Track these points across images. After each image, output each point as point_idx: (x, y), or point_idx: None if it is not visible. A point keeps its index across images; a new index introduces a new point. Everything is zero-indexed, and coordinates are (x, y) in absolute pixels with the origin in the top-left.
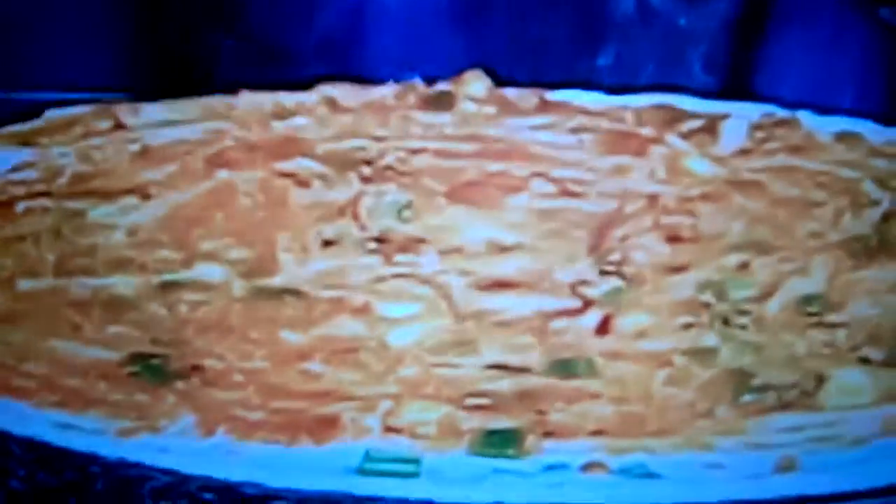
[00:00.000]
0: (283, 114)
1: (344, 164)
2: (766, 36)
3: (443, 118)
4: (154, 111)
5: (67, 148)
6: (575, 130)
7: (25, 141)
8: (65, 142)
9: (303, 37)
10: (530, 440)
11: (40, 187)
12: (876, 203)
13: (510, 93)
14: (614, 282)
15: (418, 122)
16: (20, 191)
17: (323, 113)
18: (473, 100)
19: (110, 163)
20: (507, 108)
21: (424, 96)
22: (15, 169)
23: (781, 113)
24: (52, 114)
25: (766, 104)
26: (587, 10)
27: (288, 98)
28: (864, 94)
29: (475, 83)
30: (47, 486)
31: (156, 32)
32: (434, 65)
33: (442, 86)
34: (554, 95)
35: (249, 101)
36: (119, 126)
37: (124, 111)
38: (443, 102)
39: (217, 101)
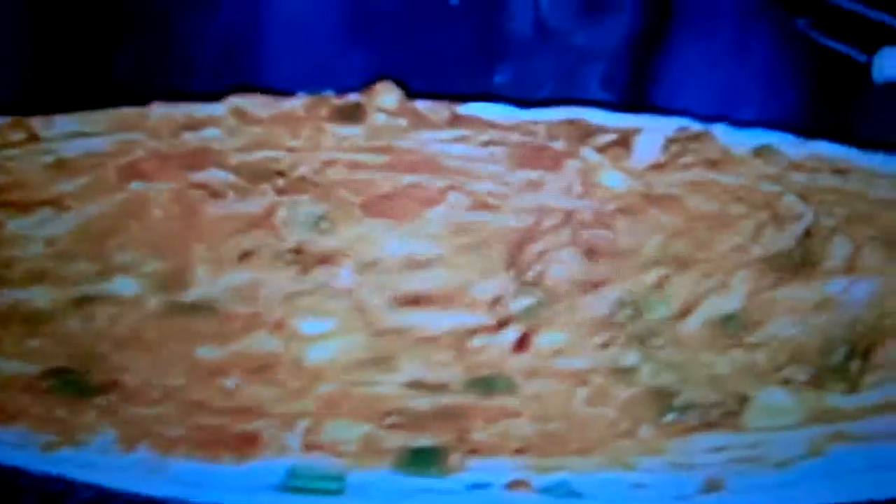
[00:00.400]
0: (194, 125)
1: (257, 175)
2: (668, 51)
3: (354, 130)
4: (67, 123)
5: None
6: (487, 144)
7: None
8: None
9: (207, 48)
10: (454, 458)
11: None
12: (798, 217)
13: (421, 105)
14: (532, 298)
15: (330, 133)
16: None
17: (233, 124)
18: (385, 112)
19: (25, 174)
20: (419, 121)
21: (335, 108)
22: None
23: (695, 126)
24: None
25: (681, 117)
26: (485, 28)
27: (198, 109)
28: (771, 105)
29: (386, 95)
30: None
31: (64, 45)
32: (329, 77)
33: (353, 97)
34: (465, 109)
35: (161, 112)
36: (33, 137)
37: (38, 123)
38: (354, 114)
39: (129, 113)
